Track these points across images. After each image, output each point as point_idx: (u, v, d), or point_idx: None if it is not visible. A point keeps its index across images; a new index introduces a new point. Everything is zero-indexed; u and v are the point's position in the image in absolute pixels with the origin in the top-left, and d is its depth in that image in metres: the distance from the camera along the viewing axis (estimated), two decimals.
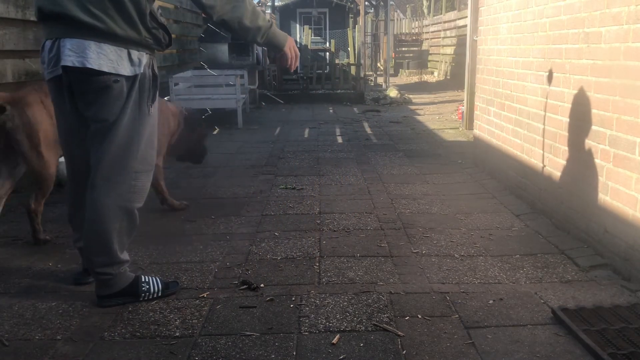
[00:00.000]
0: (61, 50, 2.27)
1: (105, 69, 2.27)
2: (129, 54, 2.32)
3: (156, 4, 2.45)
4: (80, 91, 2.34)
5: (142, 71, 2.37)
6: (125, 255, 2.54)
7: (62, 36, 2.27)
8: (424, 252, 3.14)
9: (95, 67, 2.26)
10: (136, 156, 2.42)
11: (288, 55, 2.66)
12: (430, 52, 18.46)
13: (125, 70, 2.32)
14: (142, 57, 2.37)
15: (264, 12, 18.95)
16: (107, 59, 2.27)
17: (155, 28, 2.37)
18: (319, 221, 3.72)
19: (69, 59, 2.25)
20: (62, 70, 2.30)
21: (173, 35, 9.95)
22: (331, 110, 10.21)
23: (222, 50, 9.78)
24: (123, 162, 2.40)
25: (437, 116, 9.14)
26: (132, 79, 2.35)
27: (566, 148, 3.42)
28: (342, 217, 3.81)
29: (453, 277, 2.83)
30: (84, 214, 2.47)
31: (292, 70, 2.84)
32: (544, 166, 3.74)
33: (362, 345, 2.19)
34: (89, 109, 2.37)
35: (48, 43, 2.33)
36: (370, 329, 2.32)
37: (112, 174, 2.40)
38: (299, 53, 2.72)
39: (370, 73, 17.33)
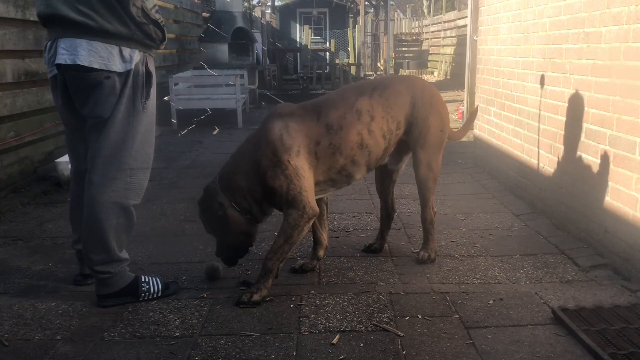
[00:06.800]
0: (56, 49, 2.34)
1: (96, 66, 2.32)
2: (120, 51, 2.36)
3: (152, 2, 2.46)
4: (75, 89, 2.39)
5: (133, 67, 2.39)
6: (124, 254, 2.54)
7: (58, 36, 2.35)
8: None
9: (86, 64, 2.30)
10: (131, 153, 2.44)
11: None
12: (430, 52, 18.44)
13: (117, 66, 2.35)
14: (134, 54, 2.39)
15: (264, 12, 18.94)
16: (97, 55, 2.31)
17: (146, 23, 2.38)
18: None
19: (62, 57, 2.32)
20: (57, 69, 2.37)
21: (172, 35, 9.94)
22: None
23: (222, 50, 9.78)
24: (118, 159, 2.42)
25: None
26: (124, 76, 2.38)
27: (566, 148, 3.42)
28: (342, 217, 3.81)
29: (453, 277, 2.83)
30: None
31: None
32: (544, 166, 3.74)
33: (362, 345, 2.19)
34: (85, 107, 2.41)
35: (48, 44, 2.41)
36: (370, 329, 2.31)
37: (108, 170, 2.42)
38: None
39: (371, 73, 17.36)
